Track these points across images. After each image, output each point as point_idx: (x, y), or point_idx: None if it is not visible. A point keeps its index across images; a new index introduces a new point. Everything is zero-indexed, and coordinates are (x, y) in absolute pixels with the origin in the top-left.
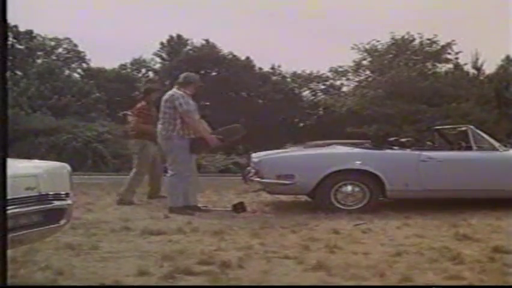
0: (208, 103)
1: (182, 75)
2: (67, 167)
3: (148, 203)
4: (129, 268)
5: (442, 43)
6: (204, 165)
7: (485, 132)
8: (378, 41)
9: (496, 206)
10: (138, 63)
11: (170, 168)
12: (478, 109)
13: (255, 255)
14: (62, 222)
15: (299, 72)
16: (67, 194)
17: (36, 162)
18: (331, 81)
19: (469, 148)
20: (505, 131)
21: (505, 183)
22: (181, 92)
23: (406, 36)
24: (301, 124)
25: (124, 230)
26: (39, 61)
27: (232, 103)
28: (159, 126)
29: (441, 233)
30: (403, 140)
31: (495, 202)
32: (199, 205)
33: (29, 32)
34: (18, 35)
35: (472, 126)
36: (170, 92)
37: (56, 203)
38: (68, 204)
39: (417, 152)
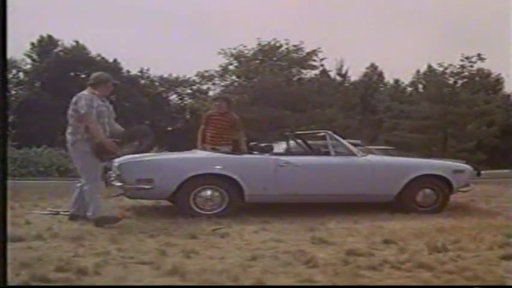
0: None
1: (92, 76)
2: None
3: None
4: None
5: (308, 50)
6: (71, 170)
7: (345, 138)
8: (245, 47)
9: (353, 210)
10: (9, 64)
11: (82, 175)
12: (342, 115)
13: (112, 261)
14: None
15: (166, 76)
16: None
17: None
18: (198, 85)
19: (327, 153)
20: (368, 136)
21: (363, 187)
22: (89, 94)
23: (273, 43)
24: (169, 128)
25: None
26: None
27: None
28: (67, 130)
29: (298, 237)
30: (262, 145)
31: (353, 206)
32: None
33: None
34: None
35: (330, 132)
36: (78, 94)
37: None
38: None
39: (275, 157)
